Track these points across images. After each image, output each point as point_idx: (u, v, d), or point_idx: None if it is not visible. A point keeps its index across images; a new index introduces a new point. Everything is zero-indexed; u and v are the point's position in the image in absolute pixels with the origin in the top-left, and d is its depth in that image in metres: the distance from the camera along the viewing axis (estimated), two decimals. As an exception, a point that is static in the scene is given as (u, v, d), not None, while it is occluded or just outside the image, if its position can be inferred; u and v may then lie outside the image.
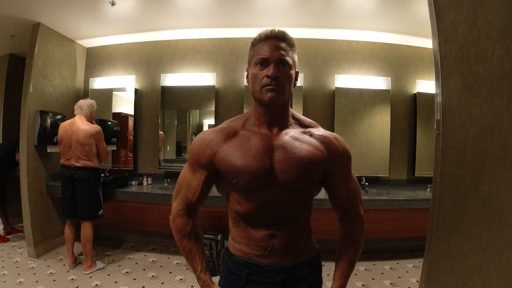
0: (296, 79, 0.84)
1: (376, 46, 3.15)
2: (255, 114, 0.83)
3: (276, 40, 0.77)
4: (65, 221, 2.59)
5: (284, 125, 0.82)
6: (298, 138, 0.80)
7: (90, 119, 2.59)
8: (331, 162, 0.81)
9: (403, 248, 2.95)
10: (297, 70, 0.84)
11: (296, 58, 0.83)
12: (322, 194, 2.91)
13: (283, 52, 0.77)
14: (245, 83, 0.77)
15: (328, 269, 2.59)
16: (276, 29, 0.79)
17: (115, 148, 3.28)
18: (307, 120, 0.88)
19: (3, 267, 2.52)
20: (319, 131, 0.85)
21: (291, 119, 0.84)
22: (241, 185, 0.77)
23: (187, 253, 0.86)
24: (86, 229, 2.46)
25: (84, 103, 2.55)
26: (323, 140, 0.82)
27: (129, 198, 2.69)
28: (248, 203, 0.79)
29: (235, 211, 0.83)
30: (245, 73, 0.85)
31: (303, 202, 0.82)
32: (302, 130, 0.83)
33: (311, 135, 0.82)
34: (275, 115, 0.81)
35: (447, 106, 0.87)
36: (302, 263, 0.83)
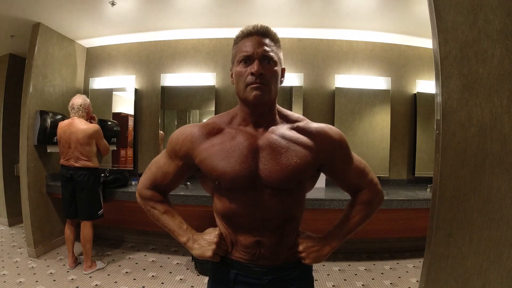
0: (282, 76, 0.80)
1: (376, 46, 3.15)
2: (240, 114, 0.79)
3: (259, 36, 0.74)
4: (65, 221, 2.59)
5: (271, 123, 0.79)
6: (285, 135, 0.76)
7: (88, 118, 2.59)
8: (327, 154, 0.78)
9: (403, 248, 2.95)
10: (283, 67, 0.81)
11: (281, 54, 0.79)
12: (323, 194, 2.91)
13: (267, 48, 0.73)
14: (230, 82, 0.75)
15: (328, 269, 2.59)
16: (259, 25, 0.74)
17: (115, 148, 3.28)
18: (295, 115, 0.84)
19: (3, 267, 2.52)
20: (308, 124, 0.81)
21: (277, 117, 0.80)
22: (224, 185, 0.75)
23: (163, 213, 0.83)
24: (86, 229, 2.46)
25: (75, 103, 2.49)
26: (315, 133, 0.78)
27: (129, 198, 2.68)
28: (232, 203, 0.76)
29: (220, 212, 0.79)
30: (230, 73, 0.82)
31: (293, 202, 0.78)
32: (290, 126, 0.79)
33: (299, 130, 0.79)
34: (261, 114, 0.77)
35: (447, 106, 0.87)
36: (290, 264, 0.81)
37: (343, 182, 0.85)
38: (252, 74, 0.71)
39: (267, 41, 0.74)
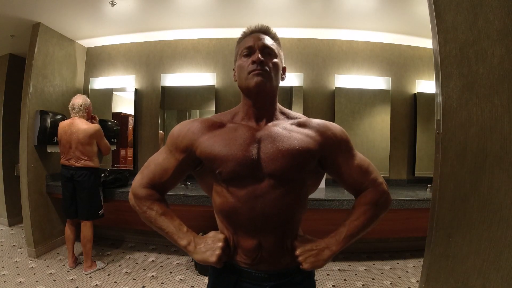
0: (283, 73, 0.84)
1: (376, 46, 3.15)
2: (243, 108, 0.81)
3: (260, 33, 0.80)
4: (65, 221, 2.59)
5: (272, 118, 0.80)
6: (286, 128, 0.78)
7: (88, 118, 2.59)
8: (328, 148, 0.78)
9: (403, 248, 2.95)
10: (284, 65, 0.84)
11: (281, 53, 0.83)
12: (323, 194, 2.90)
13: (267, 42, 0.78)
14: (233, 80, 0.78)
15: (328, 269, 2.59)
16: (260, 24, 0.80)
17: (115, 148, 3.28)
18: (295, 113, 0.86)
19: (3, 267, 2.52)
20: (309, 120, 0.82)
21: (278, 113, 0.83)
22: (225, 174, 0.72)
23: (161, 215, 0.78)
24: (86, 229, 2.46)
25: (76, 103, 2.50)
26: (316, 127, 0.79)
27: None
28: (232, 197, 0.73)
29: (220, 208, 0.77)
30: (233, 72, 0.85)
31: (294, 196, 0.75)
32: (290, 122, 0.81)
33: (300, 125, 0.80)
34: (263, 106, 0.79)
35: (447, 106, 0.87)
36: (292, 269, 0.78)
37: (345, 179, 0.81)
38: (253, 62, 0.75)
39: (268, 37, 0.80)
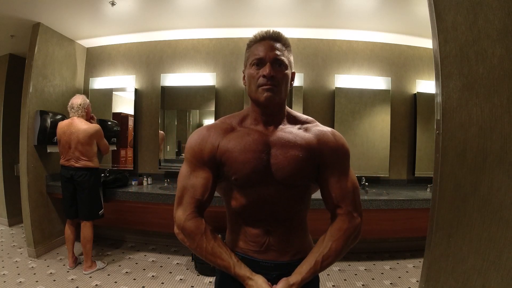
0: (292, 79, 0.85)
1: (376, 46, 3.15)
2: (252, 114, 0.83)
3: (271, 41, 0.79)
4: (65, 221, 2.59)
5: (280, 123, 0.83)
6: (293, 133, 0.81)
7: (87, 118, 2.59)
8: (324, 156, 0.80)
9: (403, 248, 2.95)
10: (293, 70, 0.85)
11: (291, 58, 0.84)
12: (322, 194, 2.82)
13: (278, 52, 0.78)
14: (242, 84, 0.81)
15: (328, 269, 2.59)
16: (271, 30, 0.80)
17: (115, 148, 3.28)
18: (304, 116, 0.88)
19: (3, 267, 2.52)
20: (316, 126, 0.85)
21: (286, 118, 0.85)
22: (240, 181, 0.77)
23: (210, 254, 0.77)
24: (86, 229, 2.46)
25: (75, 103, 2.50)
26: (317, 134, 0.82)
27: (129, 198, 2.68)
28: (245, 199, 0.79)
29: (233, 207, 0.83)
30: (242, 75, 0.86)
31: (299, 199, 0.82)
32: (298, 126, 0.84)
33: (306, 130, 0.82)
34: (272, 114, 0.82)
35: (447, 106, 0.87)
36: (297, 260, 0.82)
37: (327, 192, 0.82)
38: (264, 76, 0.76)
39: (278, 45, 0.79)
